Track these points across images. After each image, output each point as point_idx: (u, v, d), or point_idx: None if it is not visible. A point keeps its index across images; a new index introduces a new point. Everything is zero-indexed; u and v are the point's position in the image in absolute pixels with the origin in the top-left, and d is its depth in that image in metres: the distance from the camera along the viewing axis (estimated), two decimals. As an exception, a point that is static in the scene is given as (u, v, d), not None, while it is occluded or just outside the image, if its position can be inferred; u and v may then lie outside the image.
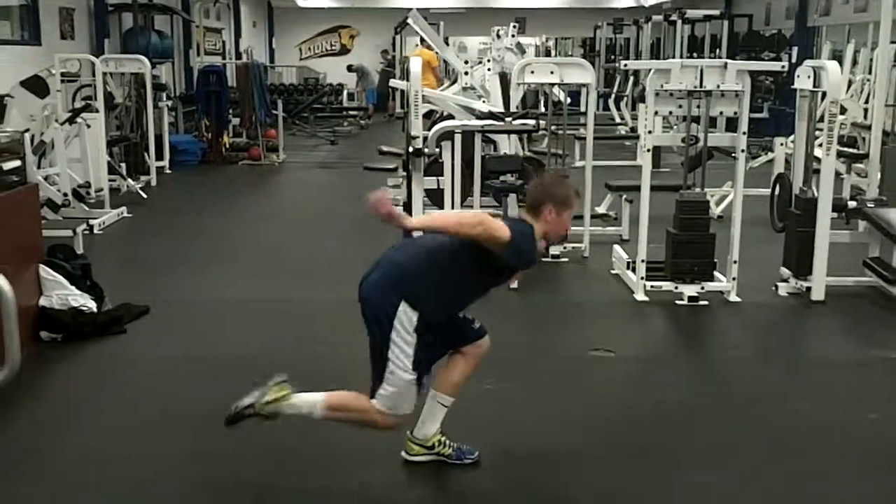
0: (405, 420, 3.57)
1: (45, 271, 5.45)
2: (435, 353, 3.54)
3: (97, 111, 9.50)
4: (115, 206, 9.06)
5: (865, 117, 10.53)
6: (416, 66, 7.03)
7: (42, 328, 5.28)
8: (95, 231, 8.16)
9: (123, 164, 10.54)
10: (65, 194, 8.17)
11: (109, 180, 9.41)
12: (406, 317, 3.37)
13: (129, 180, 10.21)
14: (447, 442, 3.74)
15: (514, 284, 5.88)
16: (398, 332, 3.38)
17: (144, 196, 10.13)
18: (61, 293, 5.41)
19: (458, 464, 3.73)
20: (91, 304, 5.49)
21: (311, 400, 3.56)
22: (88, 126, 8.82)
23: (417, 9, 10.22)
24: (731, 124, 6.31)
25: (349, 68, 22.72)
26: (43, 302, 5.34)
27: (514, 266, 3.52)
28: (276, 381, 3.60)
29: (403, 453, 3.77)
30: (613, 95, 17.66)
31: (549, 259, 7.12)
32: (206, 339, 5.47)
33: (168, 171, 12.13)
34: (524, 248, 3.40)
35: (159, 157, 11.83)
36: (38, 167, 8.39)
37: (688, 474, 3.81)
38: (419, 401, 3.57)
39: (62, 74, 10.02)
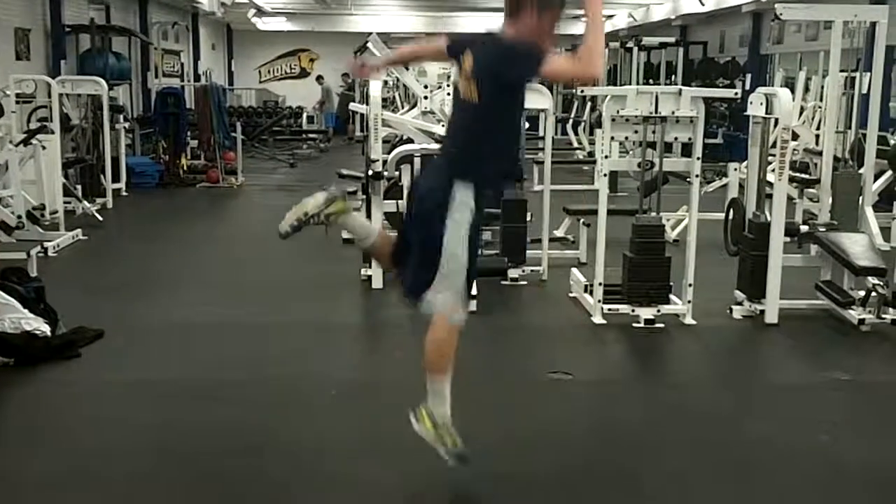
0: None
1: (-2, 294, 5.37)
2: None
3: (53, 133, 9.39)
4: (70, 229, 8.94)
5: (817, 143, 10.74)
6: (375, 89, 7.05)
7: (-6, 352, 5.19)
8: (50, 254, 8.03)
9: (79, 187, 10.40)
10: (19, 216, 8.06)
11: (65, 202, 9.30)
12: (461, 194, 3.41)
13: (85, 202, 10.09)
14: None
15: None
16: (455, 209, 3.41)
17: (100, 218, 10.02)
18: (14, 316, 5.32)
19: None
20: (45, 328, 5.40)
21: (367, 230, 3.74)
22: (44, 148, 8.72)
23: (377, 33, 10.29)
24: (686, 149, 6.40)
25: (319, 79, 22.90)
26: (-5, 325, 5.26)
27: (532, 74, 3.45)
28: (334, 194, 3.64)
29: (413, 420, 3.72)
30: (571, 120, 17.85)
31: (507, 282, 7.16)
32: (162, 362, 5.40)
33: (125, 194, 12.02)
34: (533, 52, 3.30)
35: (116, 179, 11.70)
36: (-8, 189, 8.30)
37: (641, 497, 3.84)
38: None
39: (17, 95, 9.90)
